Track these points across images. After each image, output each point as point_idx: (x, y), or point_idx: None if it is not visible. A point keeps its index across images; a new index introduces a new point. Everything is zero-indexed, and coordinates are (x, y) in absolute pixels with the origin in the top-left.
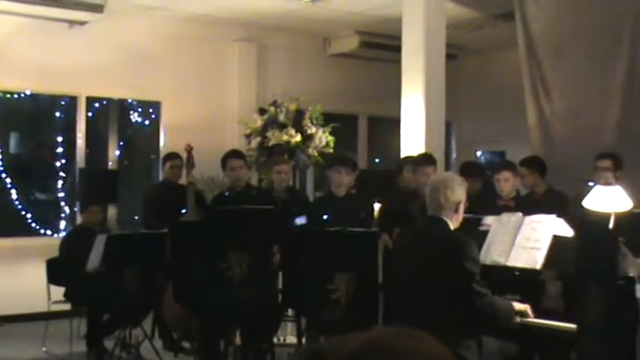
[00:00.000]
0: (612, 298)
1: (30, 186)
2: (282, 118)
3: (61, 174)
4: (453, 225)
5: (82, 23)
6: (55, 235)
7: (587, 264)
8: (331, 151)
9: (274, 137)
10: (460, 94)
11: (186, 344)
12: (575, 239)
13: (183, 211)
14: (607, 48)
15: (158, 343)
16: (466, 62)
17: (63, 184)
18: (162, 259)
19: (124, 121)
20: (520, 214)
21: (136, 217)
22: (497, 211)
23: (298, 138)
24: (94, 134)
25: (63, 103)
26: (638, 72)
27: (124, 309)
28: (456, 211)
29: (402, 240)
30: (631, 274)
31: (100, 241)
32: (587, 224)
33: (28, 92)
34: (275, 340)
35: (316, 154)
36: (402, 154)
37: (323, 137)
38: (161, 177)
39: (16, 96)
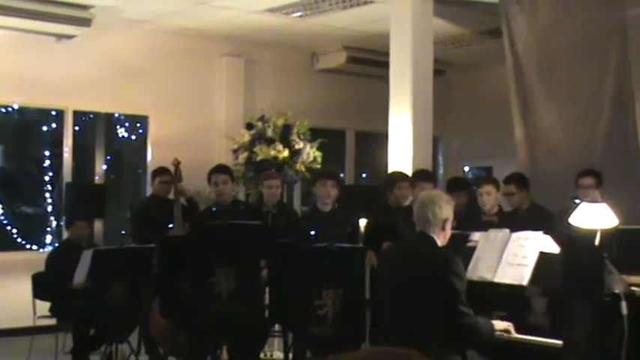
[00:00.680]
0: (598, 315)
1: (16, 200)
2: (269, 133)
3: (48, 188)
4: (440, 242)
5: (70, 37)
6: (41, 250)
7: (574, 280)
8: (319, 166)
9: (262, 152)
10: (448, 109)
11: (172, 359)
12: (561, 256)
13: (170, 225)
14: (594, 65)
15: (144, 359)
16: (454, 78)
17: (50, 199)
18: (148, 273)
19: (111, 135)
20: (507, 230)
21: (123, 232)
22: (481, 226)
23: (286, 153)
24: (81, 148)
25: (50, 116)
26: (625, 88)
27: (110, 324)
28: (443, 228)
29: (389, 256)
30: (617, 291)
31: (86, 256)
32: (574, 241)
33: (15, 106)
34: (262, 355)
35: (304, 169)
36: (390, 170)
37: (310, 152)
38: (149, 192)
39: (3, 110)
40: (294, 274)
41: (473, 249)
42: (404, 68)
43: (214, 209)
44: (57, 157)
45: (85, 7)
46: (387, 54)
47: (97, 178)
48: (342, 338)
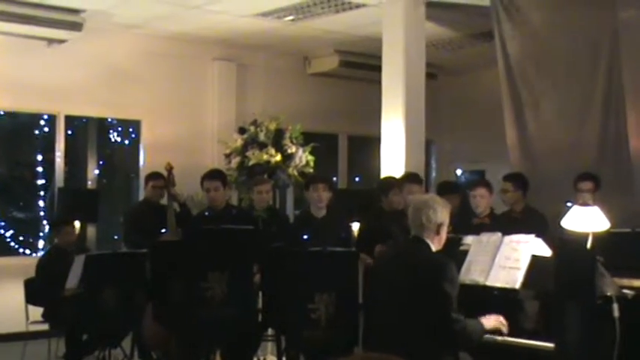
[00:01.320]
0: (590, 318)
1: (8, 205)
2: (262, 137)
3: (41, 193)
4: (434, 247)
5: (61, 41)
6: (34, 255)
7: (566, 283)
8: (311, 170)
9: (254, 157)
10: (440, 113)
11: None
12: (553, 259)
13: (163, 230)
14: (586, 68)
15: None
16: (446, 81)
17: (42, 203)
18: (141, 278)
19: (103, 139)
20: (499, 234)
21: (116, 237)
22: (473, 229)
23: (278, 157)
24: (73, 153)
25: (42, 121)
26: (616, 91)
27: (103, 329)
28: (438, 232)
29: (383, 260)
30: (609, 294)
31: (78, 262)
32: (566, 244)
33: (6, 110)
34: (255, 359)
35: (296, 173)
36: (383, 174)
37: (303, 157)
38: (142, 196)
39: None
40: (287, 278)
41: (466, 252)
42: (396, 72)
43: (207, 214)
44: (49, 161)
45: (76, 12)
46: (379, 58)
47: (89, 183)
48: (335, 342)
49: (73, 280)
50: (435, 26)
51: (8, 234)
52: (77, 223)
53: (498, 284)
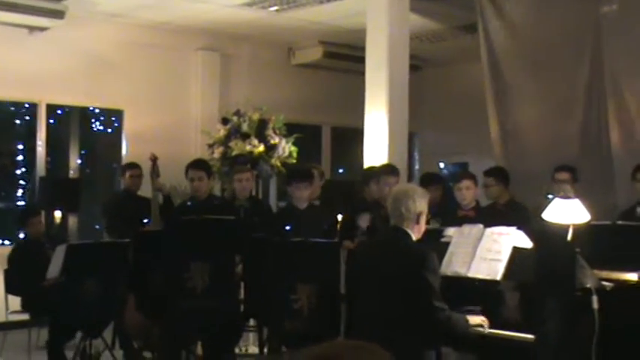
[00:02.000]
0: (570, 309)
1: None
2: (245, 127)
3: (21, 182)
4: (414, 236)
5: (43, 29)
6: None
7: (546, 275)
8: (294, 161)
9: (237, 147)
10: (424, 105)
11: (147, 354)
12: (534, 251)
13: (146, 220)
14: (569, 61)
15: (119, 354)
16: (430, 74)
17: (23, 193)
18: (123, 268)
19: (85, 129)
20: (481, 225)
21: (97, 227)
22: (457, 221)
23: (261, 148)
24: (55, 142)
25: (23, 110)
26: (597, 86)
27: (84, 319)
28: (417, 222)
29: (363, 249)
30: (588, 286)
31: (59, 251)
32: (546, 236)
33: None
34: (237, 350)
35: (279, 164)
36: (366, 165)
37: (286, 147)
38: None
39: None
40: (270, 269)
41: (447, 244)
42: (380, 63)
43: (189, 204)
44: (30, 150)
45: None
46: (363, 49)
47: (71, 172)
48: (318, 333)
49: (54, 270)
50: (419, 18)
51: None
52: (58, 213)
53: (480, 276)
